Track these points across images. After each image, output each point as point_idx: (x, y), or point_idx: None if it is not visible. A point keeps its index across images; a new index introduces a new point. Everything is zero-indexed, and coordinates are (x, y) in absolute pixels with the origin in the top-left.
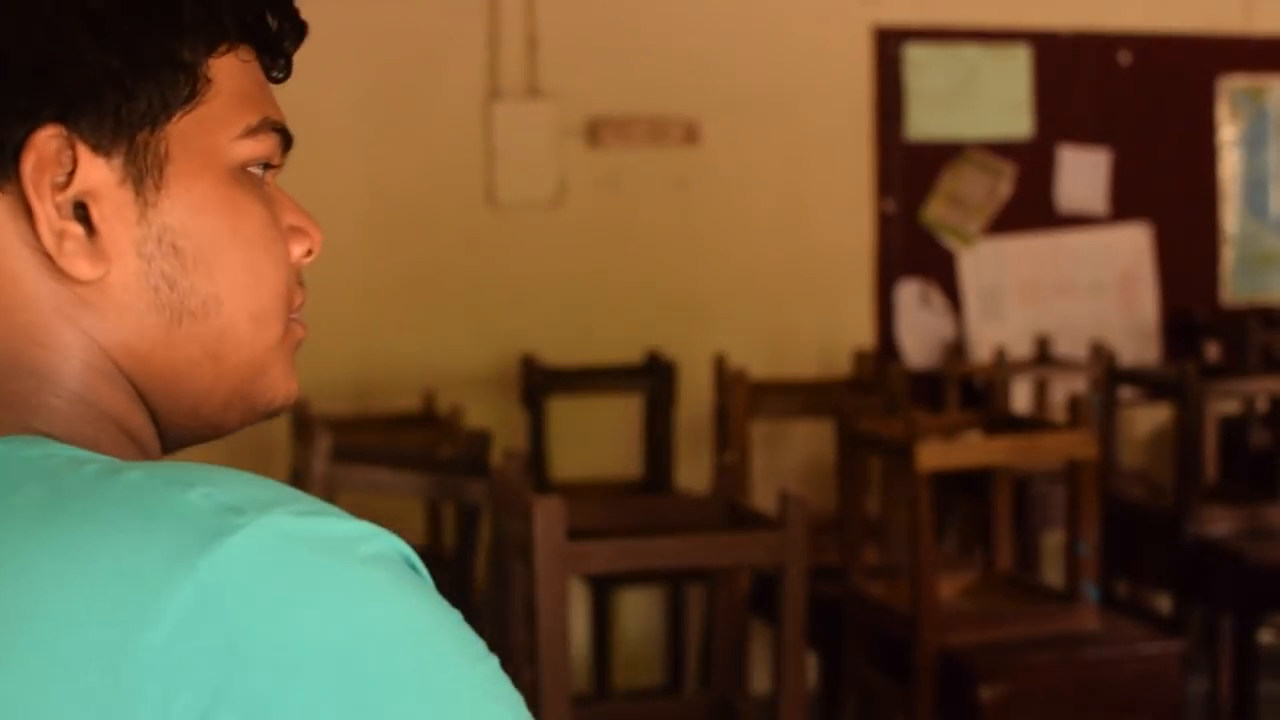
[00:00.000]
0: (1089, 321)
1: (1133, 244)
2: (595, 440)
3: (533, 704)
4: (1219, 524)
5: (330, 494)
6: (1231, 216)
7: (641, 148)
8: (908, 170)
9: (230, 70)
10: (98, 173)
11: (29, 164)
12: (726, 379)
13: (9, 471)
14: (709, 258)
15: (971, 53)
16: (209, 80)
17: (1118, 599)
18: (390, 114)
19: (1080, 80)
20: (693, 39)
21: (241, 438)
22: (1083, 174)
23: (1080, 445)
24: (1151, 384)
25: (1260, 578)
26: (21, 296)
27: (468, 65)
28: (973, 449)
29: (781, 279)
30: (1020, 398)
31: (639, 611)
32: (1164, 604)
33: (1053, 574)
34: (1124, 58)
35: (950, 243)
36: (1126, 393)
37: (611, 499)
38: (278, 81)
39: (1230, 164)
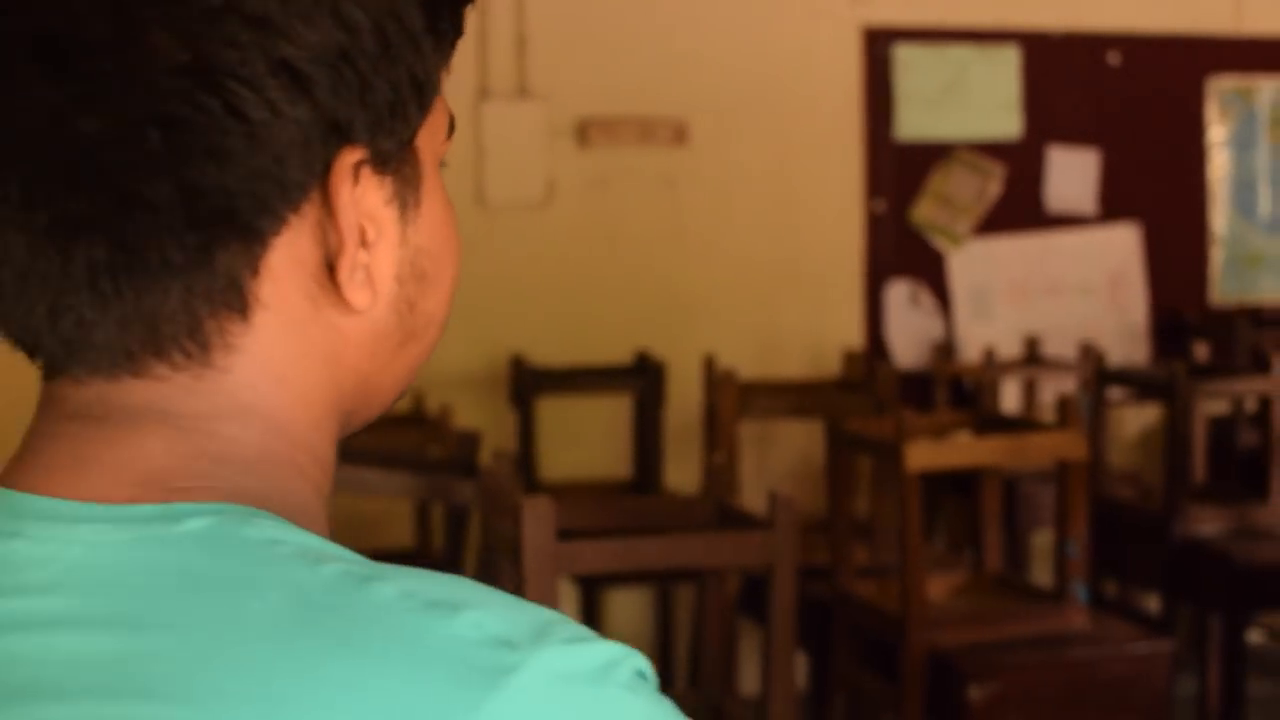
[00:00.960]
0: (1078, 322)
1: (1122, 244)
2: (584, 440)
3: None
4: (1208, 524)
5: None
6: (1220, 217)
7: (630, 148)
8: (897, 170)
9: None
10: (374, 194)
11: (344, 187)
12: (716, 379)
13: (234, 559)
14: (698, 258)
15: (961, 53)
16: (438, 85)
17: (1106, 599)
18: None
19: (1069, 80)
20: (682, 39)
21: None
22: (1072, 174)
23: (1069, 445)
24: (1140, 384)
25: (1249, 578)
26: (284, 333)
27: (456, 65)
28: (962, 449)
29: (771, 279)
30: (1009, 398)
31: (628, 612)
32: (1153, 604)
33: (1042, 574)
34: (1113, 58)
35: (939, 243)
36: (1115, 393)
37: (601, 499)
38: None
39: (1219, 164)
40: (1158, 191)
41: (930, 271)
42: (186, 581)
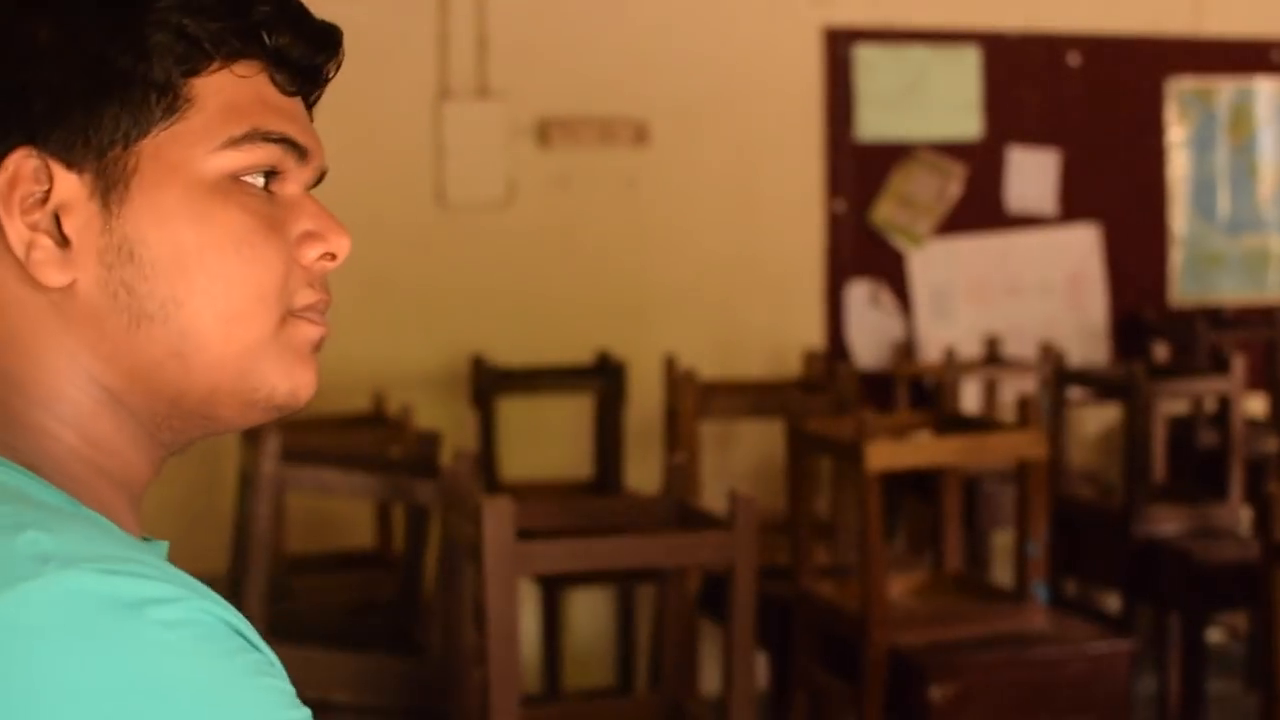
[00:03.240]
0: (1038, 322)
1: (1082, 244)
2: (545, 441)
3: (482, 704)
4: (1167, 524)
5: (279, 495)
6: (1180, 218)
7: (591, 148)
8: (858, 171)
9: (219, 87)
10: (70, 188)
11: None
12: (676, 379)
13: None
14: (659, 258)
15: (921, 53)
16: (189, 99)
17: (1066, 598)
18: (339, 114)
19: (1029, 81)
20: (643, 39)
21: None
22: (1032, 175)
23: (1029, 445)
24: (1100, 384)
25: (1208, 577)
26: (3, 304)
27: (418, 65)
28: (922, 449)
29: (731, 279)
30: (970, 398)
31: (589, 612)
32: (1113, 603)
33: (1002, 574)
34: (1073, 59)
35: (900, 243)
36: (1075, 393)
37: (561, 499)
38: (295, 95)
39: (1179, 165)
40: (1117, 192)
41: (891, 271)
42: None
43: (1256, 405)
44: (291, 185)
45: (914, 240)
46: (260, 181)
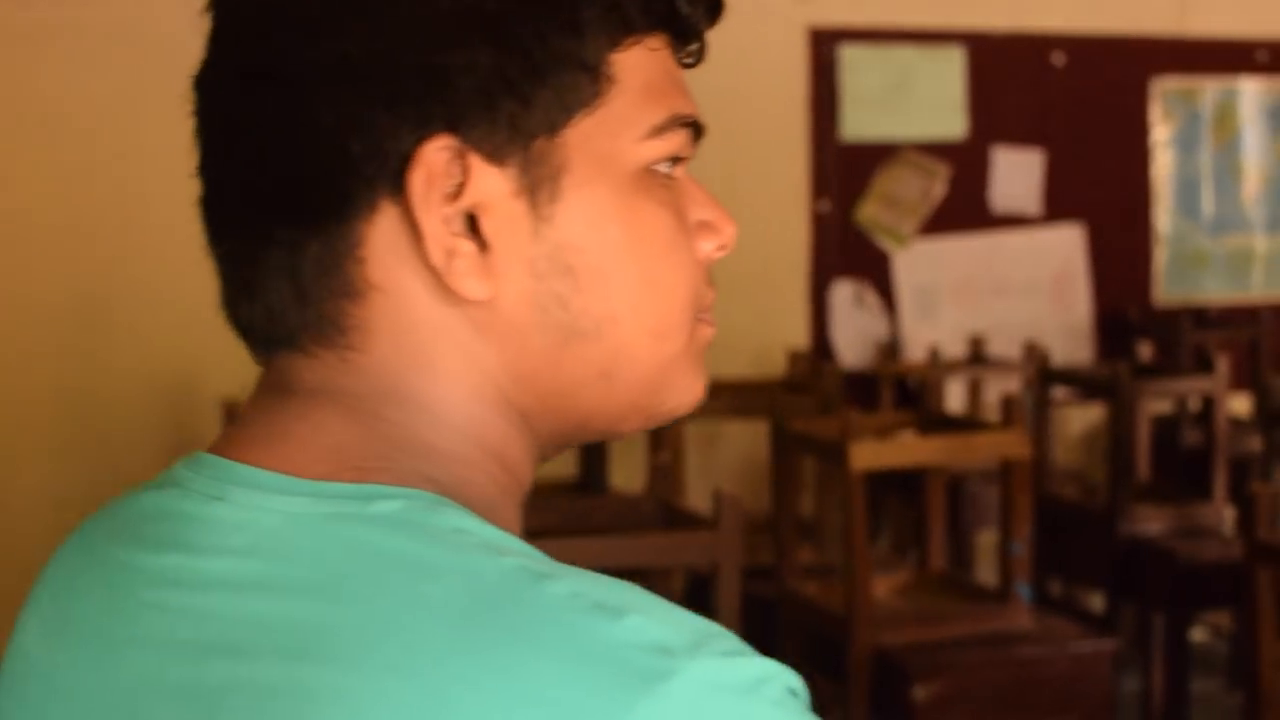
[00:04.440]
0: (1022, 321)
1: (1066, 244)
2: None
3: None
4: (1151, 523)
5: None
6: (1164, 217)
7: None
8: (842, 170)
9: (636, 64)
10: (490, 184)
11: (418, 178)
12: None
13: (421, 543)
14: None
15: (906, 54)
16: (611, 79)
17: (1050, 598)
18: None
19: (1014, 81)
20: None
21: (171, 430)
22: (1016, 174)
23: (1013, 445)
24: (1084, 384)
25: (1192, 576)
26: (408, 316)
27: None
28: (906, 449)
29: (715, 278)
30: (954, 397)
31: None
32: (1097, 603)
33: (986, 573)
34: (1058, 59)
35: (884, 243)
36: (1059, 392)
37: (545, 499)
38: (690, 66)
39: (1163, 165)
40: (1102, 192)
41: (875, 271)
42: (375, 560)
43: (1240, 405)
44: (680, 169)
45: (898, 240)
46: (666, 169)
